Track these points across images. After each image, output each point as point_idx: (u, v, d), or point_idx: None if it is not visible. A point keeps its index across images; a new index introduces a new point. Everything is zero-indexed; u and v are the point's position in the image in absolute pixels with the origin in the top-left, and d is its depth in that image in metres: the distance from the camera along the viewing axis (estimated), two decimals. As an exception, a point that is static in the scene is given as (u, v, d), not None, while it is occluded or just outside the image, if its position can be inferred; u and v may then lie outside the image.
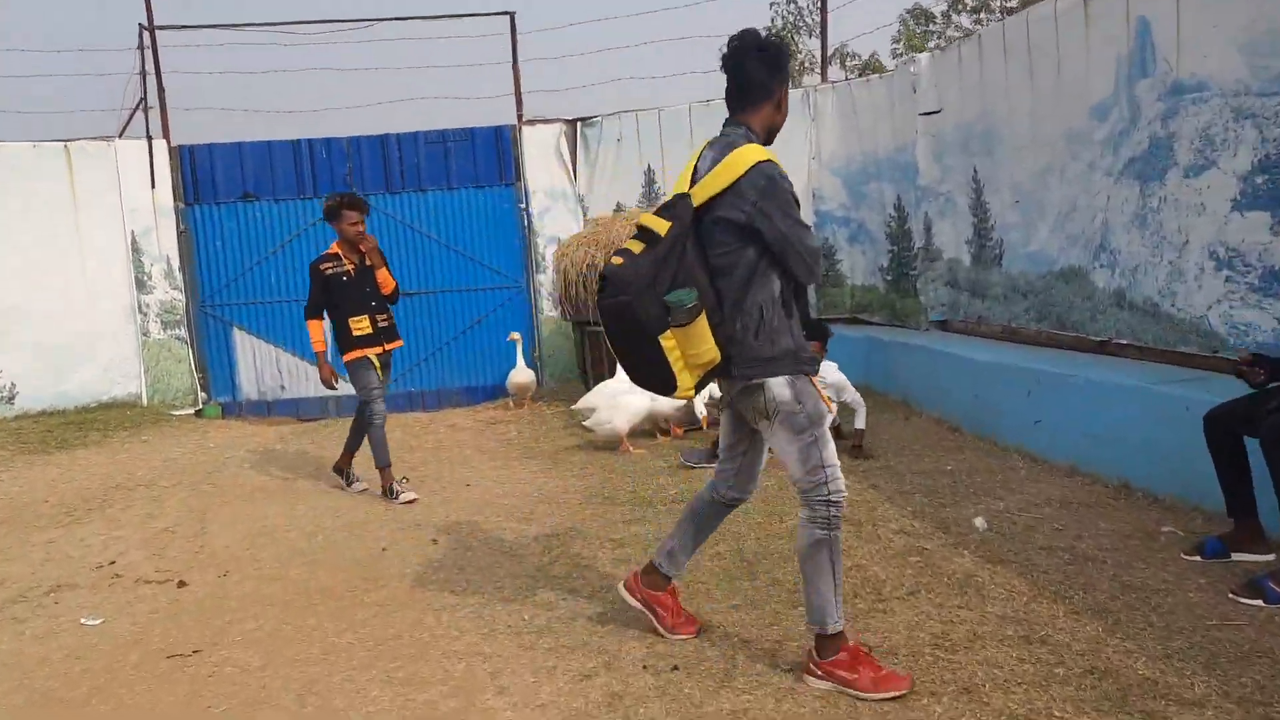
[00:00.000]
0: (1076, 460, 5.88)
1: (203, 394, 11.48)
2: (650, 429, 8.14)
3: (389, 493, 6.76)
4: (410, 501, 6.65)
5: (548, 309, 11.64)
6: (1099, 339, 6.63)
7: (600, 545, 5.35)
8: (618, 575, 4.78)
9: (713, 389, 7.81)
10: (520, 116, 11.68)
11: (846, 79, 12.81)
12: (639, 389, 8.18)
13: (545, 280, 11.60)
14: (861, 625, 3.93)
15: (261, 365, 11.62)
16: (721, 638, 3.93)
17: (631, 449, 7.74)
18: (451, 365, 11.72)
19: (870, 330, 9.56)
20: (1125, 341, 6.34)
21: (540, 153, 11.58)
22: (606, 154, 11.41)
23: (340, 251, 6.68)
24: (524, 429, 9.26)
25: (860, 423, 6.93)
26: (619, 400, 7.81)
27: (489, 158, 11.59)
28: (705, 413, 7.70)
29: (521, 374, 10.08)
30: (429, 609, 4.56)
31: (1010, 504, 5.42)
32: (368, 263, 6.72)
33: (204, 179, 11.59)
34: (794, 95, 10.32)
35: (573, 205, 11.67)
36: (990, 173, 7.92)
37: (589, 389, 9.67)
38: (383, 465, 6.86)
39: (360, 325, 6.67)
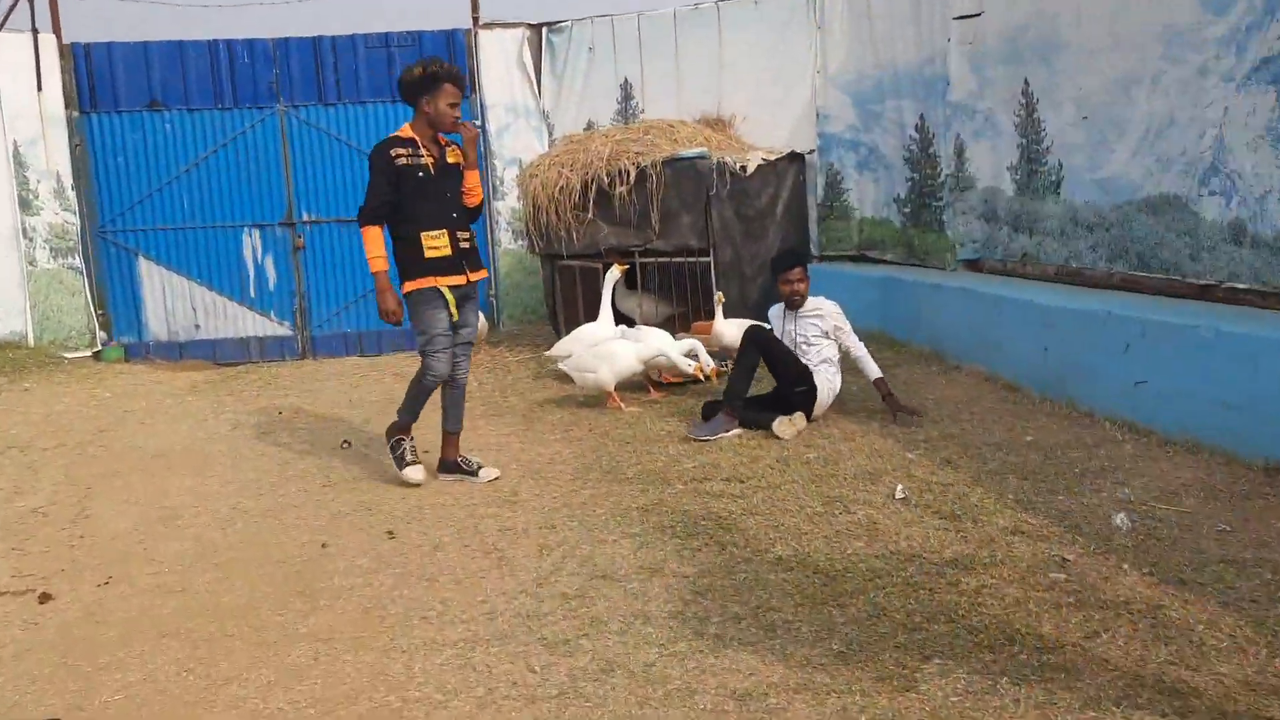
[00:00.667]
0: (1198, 434, 4.73)
1: (102, 334, 9.86)
2: (640, 380, 6.84)
3: (396, 451, 5.23)
4: (415, 484, 5.16)
5: (506, 241, 10.22)
6: (1202, 282, 5.48)
7: (617, 544, 4.07)
8: (652, 596, 3.51)
9: (696, 345, 6.55)
10: (476, 19, 10.15)
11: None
12: (629, 334, 6.93)
13: (503, 207, 10.16)
14: (1044, 696, 2.70)
15: (172, 301, 10.04)
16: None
17: (623, 406, 6.44)
18: (394, 304, 10.23)
19: (886, 269, 8.33)
20: (1244, 286, 5.19)
21: (499, 62, 10.07)
22: (576, 65, 9.94)
23: (418, 138, 4.86)
24: (485, 379, 7.90)
25: (873, 370, 5.74)
26: (605, 349, 6.49)
27: (439, 66, 10.01)
28: (708, 363, 6.41)
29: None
30: (392, 649, 3.24)
31: (1137, 491, 4.25)
32: (452, 159, 4.95)
33: (102, 83, 9.90)
34: (798, 1, 8.97)
35: (536, 123, 10.21)
36: (1047, 84, 6.67)
37: (561, 334, 8.34)
38: (403, 419, 5.22)
39: (436, 243, 4.85)
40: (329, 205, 10.11)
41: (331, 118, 10.09)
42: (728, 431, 5.61)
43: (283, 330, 10.23)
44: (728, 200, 7.90)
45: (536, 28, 10.12)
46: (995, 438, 5.22)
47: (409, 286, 4.89)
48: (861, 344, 5.90)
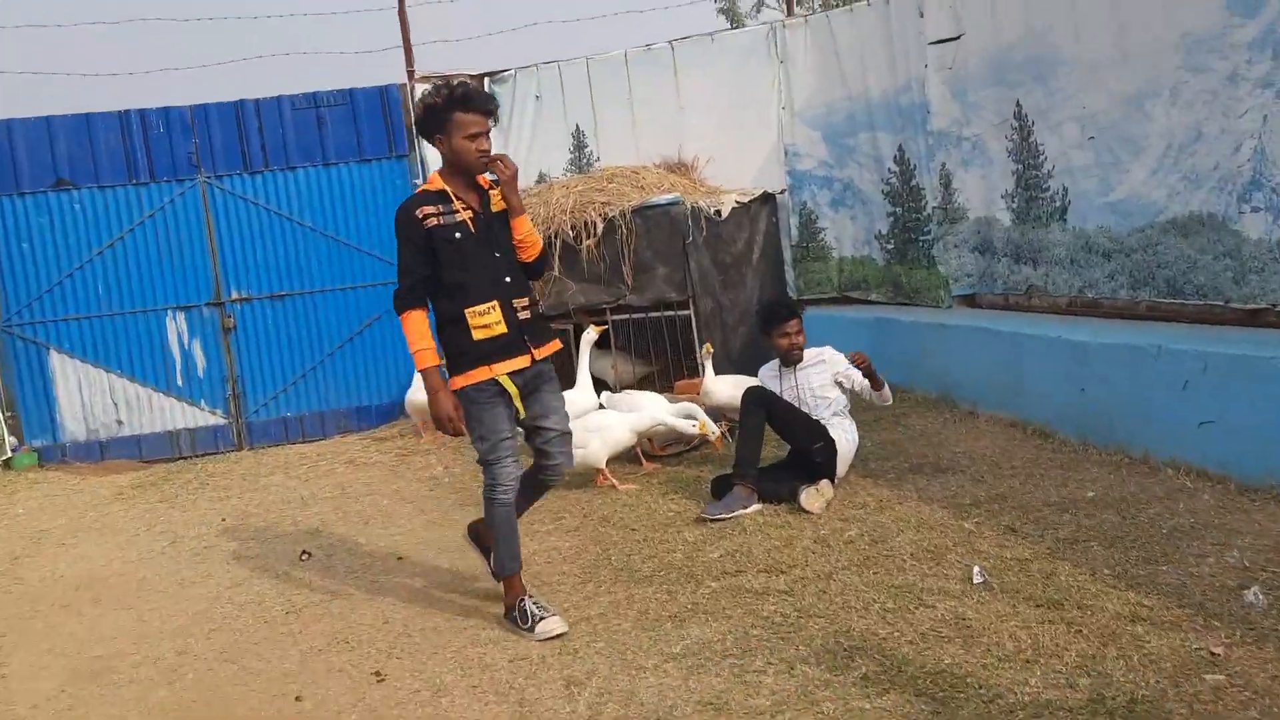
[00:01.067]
0: (1288, 478, 4.20)
1: (11, 439, 8.88)
2: (629, 452, 6.16)
3: (520, 616, 3.86)
4: (555, 637, 3.77)
5: (456, 307, 9.47)
6: (1251, 307, 5.00)
7: (660, 671, 3.36)
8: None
9: (693, 408, 5.94)
10: (411, 73, 9.48)
11: (823, 8, 10.98)
12: (615, 401, 6.26)
13: (452, 272, 9.43)
14: None
15: (90, 396, 9.10)
16: None
17: (618, 484, 5.75)
18: (337, 381, 9.43)
19: (874, 310, 7.79)
20: (1305, 308, 4.72)
21: (437, 116, 9.39)
22: (523, 115, 9.33)
23: (449, 188, 3.82)
24: (450, 460, 7.15)
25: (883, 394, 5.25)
26: (594, 421, 5.81)
27: (374, 125, 9.34)
28: (710, 428, 5.77)
29: (422, 391, 7.86)
30: None
31: (1246, 553, 3.68)
32: (498, 207, 3.87)
33: (2, 163, 9.00)
34: (757, 35, 8.51)
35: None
36: (1044, 105, 6.23)
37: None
38: (507, 570, 3.99)
39: (486, 320, 3.76)
40: (260, 280, 9.29)
41: (259, 186, 9.31)
42: (746, 508, 4.95)
43: (215, 419, 9.34)
44: (704, 248, 7.32)
45: (477, 79, 9.48)
46: (1052, 496, 4.63)
47: (458, 382, 3.81)
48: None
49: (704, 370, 6.47)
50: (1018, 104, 6.46)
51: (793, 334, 5.28)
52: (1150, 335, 5.08)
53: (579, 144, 9.21)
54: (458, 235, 3.75)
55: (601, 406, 6.45)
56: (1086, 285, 6.12)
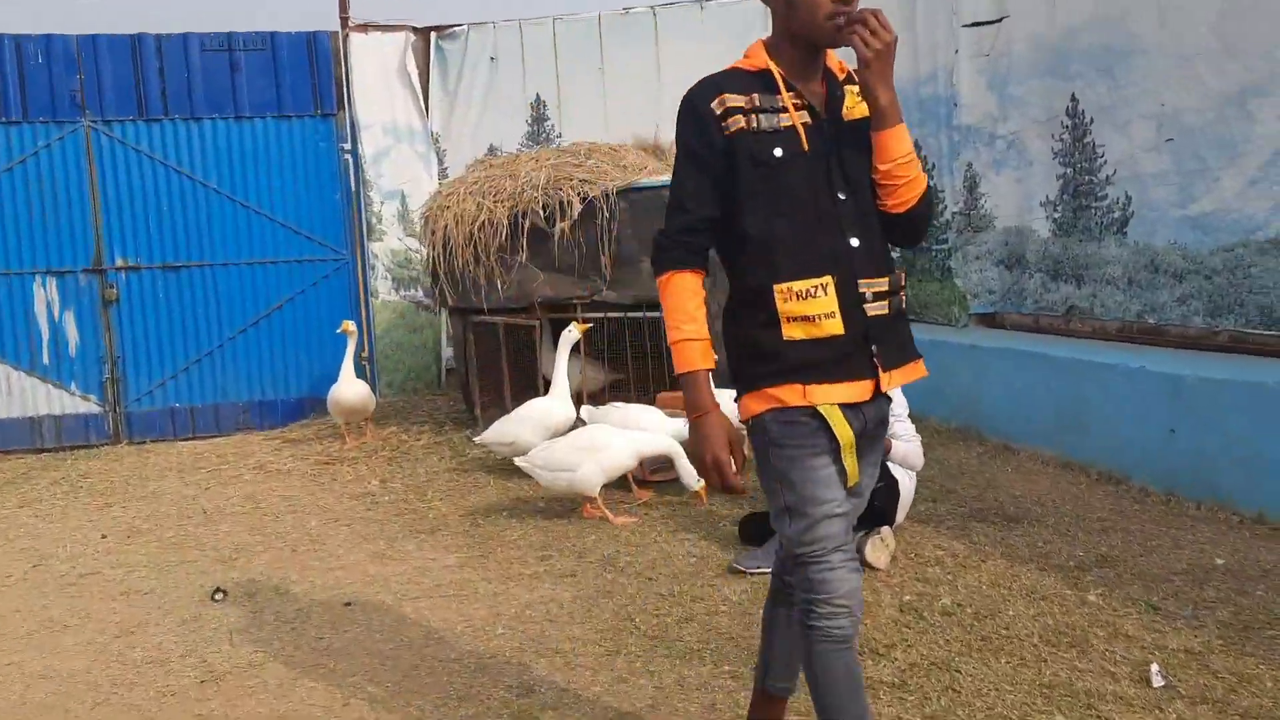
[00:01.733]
0: None
1: None
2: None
3: None
4: None
5: (384, 290, 8.28)
6: (1382, 345, 4.29)
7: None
8: None
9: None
10: (345, 20, 8.24)
11: None
12: (605, 416, 5.20)
13: (380, 249, 8.23)
14: None
15: (-66, 372, 7.58)
16: None
17: (613, 517, 4.70)
18: (238, 370, 8.11)
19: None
20: None
21: (376, 73, 8.21)
22: (474, 78, 8.22)
23: (775, 70, 2.20)
24: (386, 473, 5.98)
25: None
26: (589, 438, 4.75)
27: (299, 76, 8.08)
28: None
29: (351, 388, 6.67)
30: None
31: None
32: (856, 112, 2.23)
33: None
34: (756, 5, 7.56)
35: (423, 148, 8.39)
36: (1109, 100, 5.46)
37: (476, 411, 6.53)
38: None
39: (810, 308, 2.14)
40: (152, 247, 7.90)
41: (155, 137, 7.92)
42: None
43: (88, 406, 7.90)
44: (696, 241, 6.31)
45: (424, 32, 8.33)
46: (1174, 562, 3.80)
47: (752, 404, 2.20)
48: (915, 435, 4.33)
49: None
50: (1073, 98, 5.68)
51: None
52: (1273, 372, 4.30)
53: (538, 116, 8.13)
54: (778, 152, 2.15)
55: (581, 421, 5.41)
56: (1148, 309, 5.36)
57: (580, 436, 4.72)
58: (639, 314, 6.44)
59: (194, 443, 7.49)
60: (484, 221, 6.31)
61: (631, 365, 6.59)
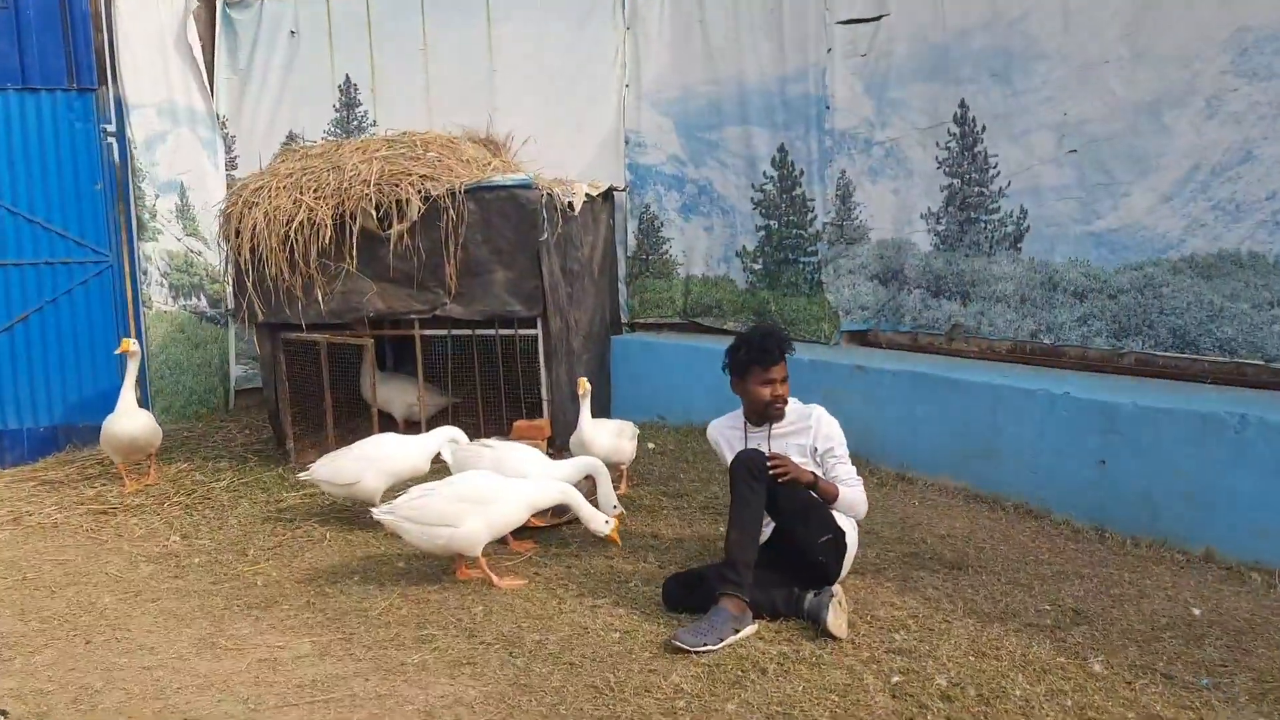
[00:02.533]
0: None
1: None
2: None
3: None
4: None
5: (159, 300, 7.00)
6: (1310, 369, 4.14)
7: None
8: None
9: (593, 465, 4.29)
10: (111, -23, 6.90)
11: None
12: (477, 459, 4.32)
13: (155, 251, 6.95)
14: None
15: None
16: None
17: (496, 579, 3.89)
18: (-31, 395, 6.66)
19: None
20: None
21: (149, 42, 6.93)
22: (270, 54, 7.11)
23: None
24: (187, 525, 4.87)
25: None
26: (475, 487, 3.89)
27: (49, 42, 6.71)
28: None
29: (133, 420, 5.44)
30: None
31: None
32: None
33: None
34: (602, -12, 6.90)
35: (207, 133, 7.18)
36: (1004, 108, 5.18)
37: (288, 443, 5.53)
38: None
39: None
40: None
41: None
42: (739, 630, 3.34)
43: None
44: (555, 250, 5.57)
45: (207, 1, 7.11)
46: (1152, 616, 3.43)
47: None
48: (858, 478, 3.80)
49: (581, 413, 4.78)
50: (963, 104, 5.37)
51: (778, 381, 3.74)
52: (1220, 401, 4.05)
53: (348, 100, 7.12)
54: None
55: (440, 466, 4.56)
56: (1043, 329, 5.10)
57: (462, 485, 3.87)
58: (488, 331, 5.62)
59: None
60: (302, 221, 5.30)
61: (480, 388, 5.76)
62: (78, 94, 6.76)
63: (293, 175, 5.46)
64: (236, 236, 5.42)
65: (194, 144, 7.15)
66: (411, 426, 6.09)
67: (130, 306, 6.93)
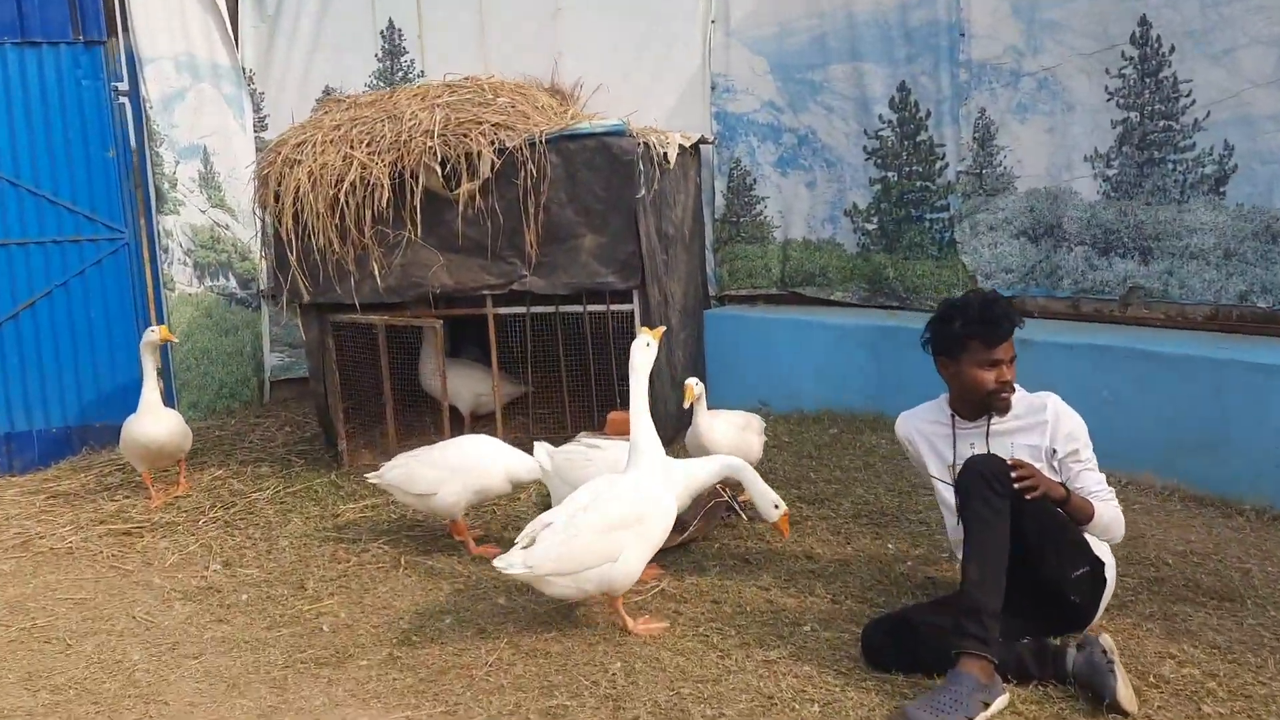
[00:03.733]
0: None
1: None
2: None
3: None
4: None
5: (183, 280, 6.16)
6: None
7: None
8: None
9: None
10: (117, -88, 6.02)
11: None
12: (600, 461, 3.36)
13: (177, 226, 6.10)
14: None
15: None
16: None
17: (632, 623, 3.04)
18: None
19: (857, 315, 5.49)
20: None
21: (164, -12, 6.05)
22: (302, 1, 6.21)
23: None
24: (228, 547, 4.04)
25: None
26: (628, 505, 3.01)
27: (49, -13, 5.87)
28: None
29: (158, 423, 4.59)
30: None
31: None
32: None
33: None
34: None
35: (232, 89, 6.31)
36: (1201, 23, 4.26)
37: (339, 441, 4.70)
38: None
39: None
40: None
41: None
42: (988, 706, 2.47)
43: None
44: (652, 210, 4.69)
45: (228, -63, 6.23)
46: None
47: None
48: (1110, 489, 2.88)
49: (698, 412, 3.92)
50: (1142, 21, 4.45)
51: (1005, 362, 2.85)
52: None
53: (392, 48, 6.23)
54: None
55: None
56: (1255, 289, 4.20)
57: (609, 509, 2.97)
58: (574, 307, 4.75)
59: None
60: (354, 182, 4.43)
61: (566, 375, 4.90)
62: (84, 47, 5.91)
63: (341, 127, 4.58)
64: (276, 202, 4.55)
65: (217, 102, 6.27)
66: (479, 422, 5.26)
67: (150, 289, 6.09)
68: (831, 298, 5.78)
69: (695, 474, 3.29)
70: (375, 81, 6.20)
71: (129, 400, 5.95)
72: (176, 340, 4.91)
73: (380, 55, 6.21)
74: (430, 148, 4.43)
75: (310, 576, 3.69)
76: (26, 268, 5.82)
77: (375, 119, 4.57)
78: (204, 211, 6.22)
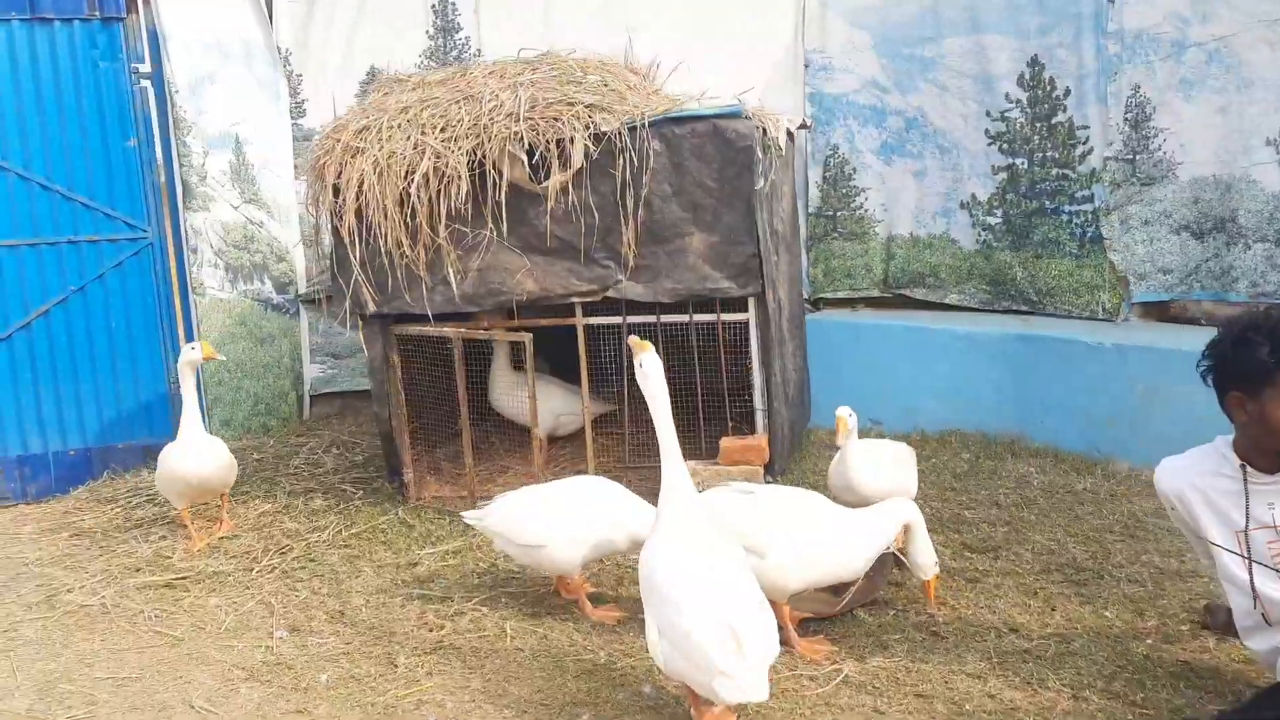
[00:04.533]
0: None
1: None
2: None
3: None
4: None
5: (213, 284, 5.53)
6: None
7: None
8: None
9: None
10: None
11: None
12: (774, 488, 2.57)
13: (207, 224, 5.47)
14: None
15: None
16: None
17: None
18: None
19: (989, 323, 4.86)
20: None
21: (189, -43, 5.41)
22: (344, -32, 5.58)
23: None
24: (292, 606, 3.40)
25: None
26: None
27: (61, -44, 5.24)
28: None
29: (203, 454, 3.95)
30: None
31: None
32: None
33: None
34: None
35: (267, 71, 5.66)
36: None
37: (406, 475, 4.06)
38: None
39: None
40: None
41: None
42: None
43: None
44: (766, 204, 4.05)
45: (262, -99, 5.58)
46: None
47: None
48: None
49: (847, 444, 3.28)
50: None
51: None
52: None
53: (445, 24, 5.60)
54: None
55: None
56: None
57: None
58: (678, 317, 4.11)
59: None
60: (428, 173, 3.78)
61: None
62: (101, 24, 5.26)
63: (408, 110, 3.94)
64: (335, 197, 3.90)
65: (250, 85, 5.63)
66: (556, 444, 4.64)
67: (176, 294, 5.44)
68: (946, 301, 5.15)
69: (878, 533, 2.68)
70: (425, 61, 5.57)
71: (154, 419, 5.34)
72: (222, 358, 4.29)
73: (431, 31, 5.58)
74: (515, 133, 3.79)
75: (399, 649, 3.06)
76: (39, 271, 5.19)
77: (448, 100, 3.94)
78: (236, 207, 5.58)
